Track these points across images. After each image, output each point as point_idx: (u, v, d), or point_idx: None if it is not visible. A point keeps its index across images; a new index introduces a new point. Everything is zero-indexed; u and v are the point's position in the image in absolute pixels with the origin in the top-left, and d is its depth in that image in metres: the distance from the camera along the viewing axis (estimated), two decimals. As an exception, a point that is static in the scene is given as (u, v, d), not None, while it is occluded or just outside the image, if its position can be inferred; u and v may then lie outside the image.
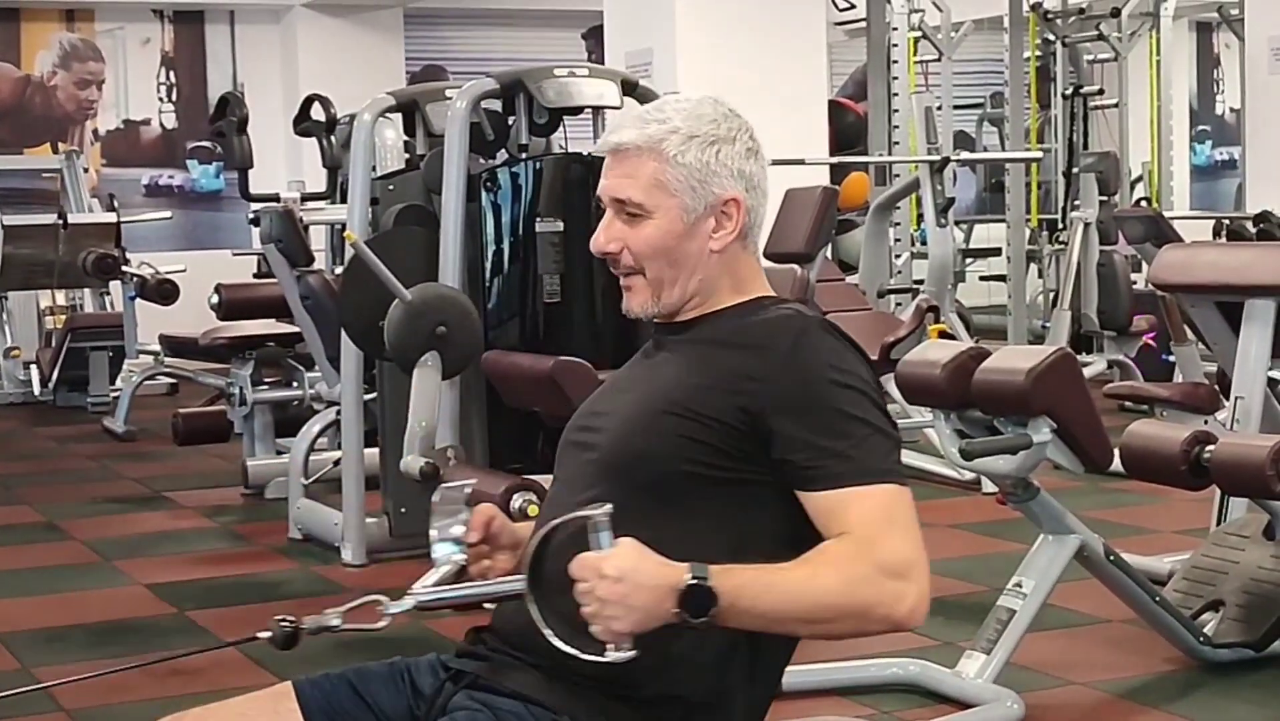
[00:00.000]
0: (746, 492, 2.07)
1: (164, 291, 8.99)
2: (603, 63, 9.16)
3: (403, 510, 5.55)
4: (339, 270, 6.73)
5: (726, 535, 2.05)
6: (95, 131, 12.81)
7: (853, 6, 11.65)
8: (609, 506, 1.91)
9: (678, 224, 2.12)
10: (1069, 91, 11.26)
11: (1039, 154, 10.95)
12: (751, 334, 2.11)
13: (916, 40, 10.76)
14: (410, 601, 2.07)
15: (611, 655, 1.90)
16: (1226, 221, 9.75)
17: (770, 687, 2.16)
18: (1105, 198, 9.30)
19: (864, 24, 10.95)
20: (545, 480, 3.20)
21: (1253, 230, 8.89)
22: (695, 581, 1.89)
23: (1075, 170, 10.16)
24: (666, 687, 2.03)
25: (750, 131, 2.17)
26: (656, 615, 1.88)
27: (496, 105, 5.44)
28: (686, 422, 2.06)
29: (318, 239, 8.01)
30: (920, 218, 9.81)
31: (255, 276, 9.69)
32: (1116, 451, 4.03)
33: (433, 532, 2.18)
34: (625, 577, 1.87)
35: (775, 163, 8.07)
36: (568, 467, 2.20)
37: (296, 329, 6.91)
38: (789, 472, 2.04)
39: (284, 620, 2.04)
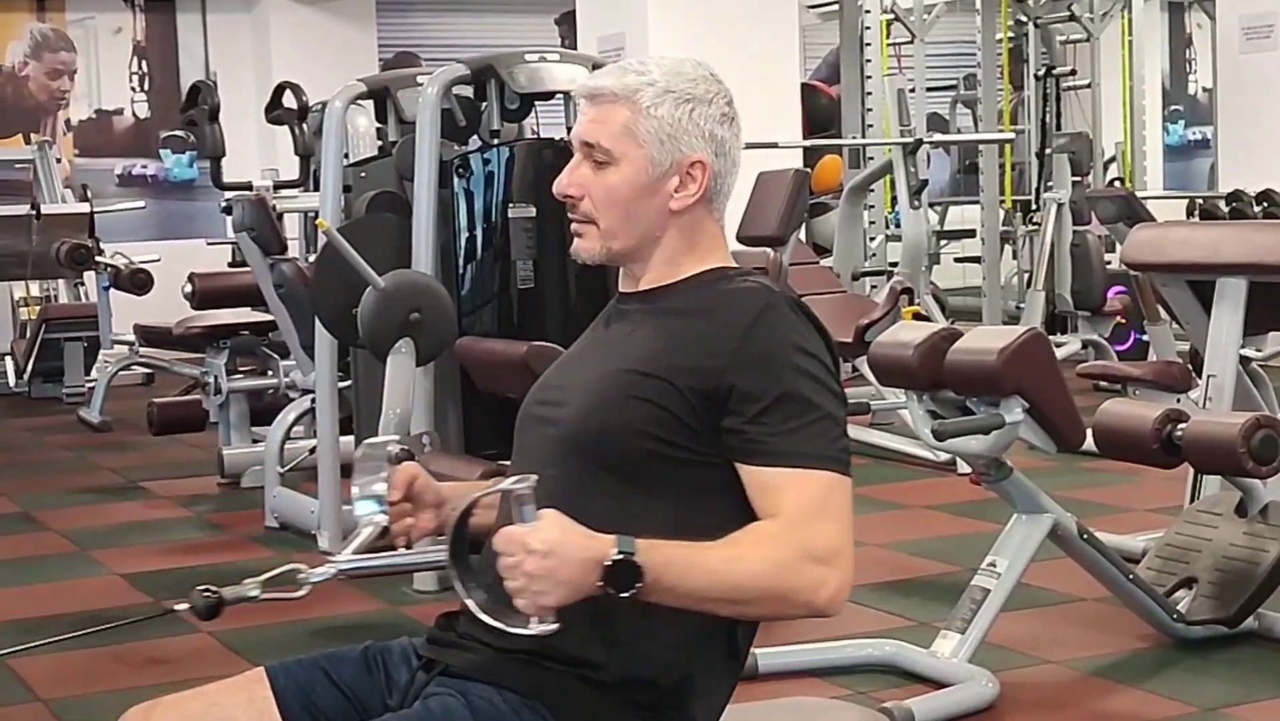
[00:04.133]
0: (706, 475, 2.05)
1: (138, 281, 8.98)
2: (575, 48, 9.16)
3: (379, 497, 5.54)
4: (312, 258, 6.72)
5: (683, 515, 2.03)
6: (67, 121, 12.75)
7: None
8: (533, 479, 1.88)
9: (642, 175, 2.11)
10: (1041, 72, 11.27)
11: (1012, 135, 10.97)
12: (715, 304, 2.09)
13: (889, 22, 10.77)
14: (331, 570, 2.06)
15: (536, 628, 1.86)
16: (1199, 201, 9.79)
17: (736, 674, 2.16)
18: (1078, 178, 9.32)
19: (836, 7, 10.97)
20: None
21: (1225, 209, 8.93)
22: (622, 556, 1.86)
23: (1048, 151, 10.18)
24: (638, 672, 2.03)
25: (729, 98, 2.16)
26: (582, 588, 1.86)
27: (469, 91, 5.43)
28: (649, 395, 2.05)
29: (291, 227, 7.99)
30: (894, 200, 9.84)
31: (230, 265, 9.65)
32: (1089, 430, 4.05)
33: (354, 490, 2.16)
34: (552, 552, 1.83)
35: (748, 146, 8.07)
36: (528, 442, 2.19)
37: (271, 317, 6.90)
38: (734, 443, 2.03)
39: (205, 590, 2.02)
